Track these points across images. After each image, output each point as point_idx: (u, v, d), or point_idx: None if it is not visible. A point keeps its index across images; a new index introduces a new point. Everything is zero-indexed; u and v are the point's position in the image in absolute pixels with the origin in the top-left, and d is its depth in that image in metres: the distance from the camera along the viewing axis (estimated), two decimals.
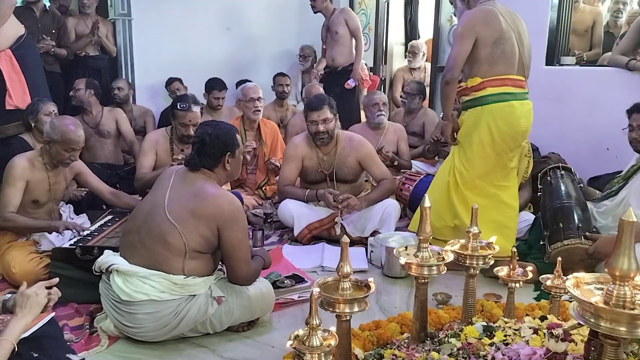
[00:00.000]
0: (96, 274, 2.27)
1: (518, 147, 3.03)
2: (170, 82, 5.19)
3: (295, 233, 3.42)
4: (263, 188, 4.22)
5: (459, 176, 2.97)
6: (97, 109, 4.37)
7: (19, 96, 3.50)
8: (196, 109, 3.46)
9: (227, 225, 2.18)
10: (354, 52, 5.19)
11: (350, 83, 5.15)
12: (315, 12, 5.21)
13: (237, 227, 2.21)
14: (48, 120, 3.01)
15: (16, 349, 1.56)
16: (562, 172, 3.30)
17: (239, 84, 5.27)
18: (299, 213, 3.43)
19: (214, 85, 4.90)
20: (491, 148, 2.90)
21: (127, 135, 4.42)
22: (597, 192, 3.21)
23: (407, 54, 6.07)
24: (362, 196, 3.52)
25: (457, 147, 3.02)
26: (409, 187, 3.71)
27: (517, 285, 2.08)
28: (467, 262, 1.99)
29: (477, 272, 2.04)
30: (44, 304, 1.67)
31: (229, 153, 2.29)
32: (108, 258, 2.24)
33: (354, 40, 5.17)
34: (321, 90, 4.75)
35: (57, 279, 1.81)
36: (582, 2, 4.76)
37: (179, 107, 3.44)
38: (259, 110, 4.18)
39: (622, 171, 3.21)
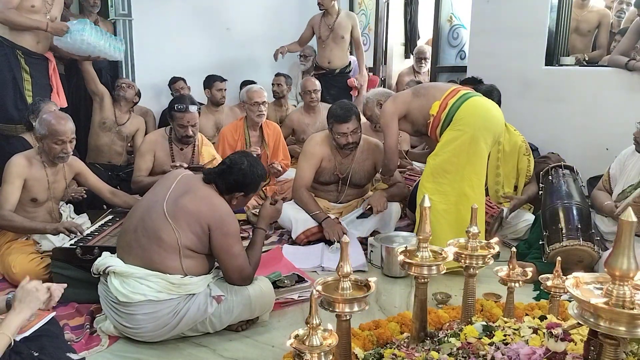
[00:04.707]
0: (95, 275, 2.28)
1: (493, 137, 3.00)
2: (173, 81, 5.20)
3: (294, 237, 3.41)
4: (264, 188, 4.22)
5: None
6: (127, 110, 4.48)
7: (62, 96, 3.79)
8: (193, 109, 3.46)
9: (217, 226, 2.18)
10: (348, 55, 5.36)
11: (355, 83, 5.24)
12: (321, 10, 5.22)
13: (227, 230, 2.20)
14: None
15: (12, 343, 1.56)
16: (565, 171, 3.30)
17: (243, 84, 5.28)
18: (297, 218, 3.43)
19: (215, 78, 4.92)
20: (468, 145, 2.88)
21: (138, 144, 4.44)
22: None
23: (414, 59, 6.04)
24: (379, 192, 3.50)
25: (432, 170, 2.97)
26: (408, 187, 3.71)
27: (517, 285, 2.08)
28: (467, 262, 1.99)
29: (477, 272, 2.04)
30: (43, 301, 1.66)
31: (242, 193, 2.33)
32: (105, 260, 2.25)
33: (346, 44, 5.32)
34: (317, 84, 4.75)
35: (65, 285, 1.82)
36: (590, 1, 4.74)
37: (176, 108, 3.44)
38: (263, 114, 4.15)
39: None
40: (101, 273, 2.23)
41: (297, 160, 4.05)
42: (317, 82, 4.80)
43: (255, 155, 3.97)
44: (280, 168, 4.11)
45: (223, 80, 4.94)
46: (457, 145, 2.87)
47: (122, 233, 2.36)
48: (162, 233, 2.16)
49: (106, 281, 2.20)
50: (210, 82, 4.92)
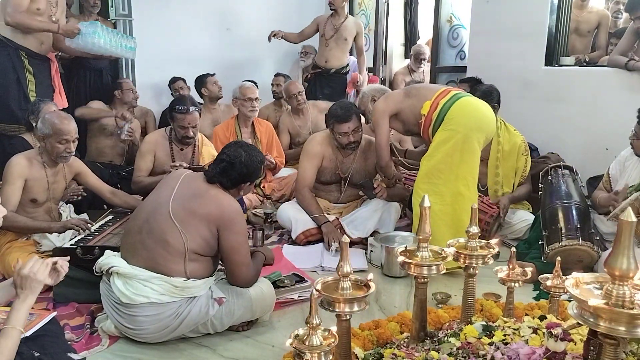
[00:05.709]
0: (97, 274, 2.28)
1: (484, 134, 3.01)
2: (173, 81, 5.21)
3: (294, 237, 3.41)
4: (261, 186, 4.22)
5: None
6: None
7: (64, 97, 3.83)
8: (194, 110, 3.46)
9: (226, 226, 2.19)
10: (348, 56, 5.43)
11: (359, 79, 5.28)
12: (332, 9, 5.24)
13: (236, 229, 2.21)
14: None
15: (22, 332, 1.55)
16: (564, 171, 3.30)
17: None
18: (297, 218, 3.43)
19: (205, 75, 4.95)
20: (461, 144, 2.89)
21: (136, 144, 4.46)
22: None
23: (410, 59, 6.04)
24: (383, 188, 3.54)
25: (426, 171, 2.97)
26: (408, 187, 3.71)
27: (517, 284, 2.09)
28: (467, 262, 2.00)
29: (477, 271, 2.05)
30: (43, 280, 1.61)
31: (249, 182, 2.35)
32: (108, 259, 2.24)
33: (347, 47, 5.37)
34: (299, 87, 4.75)
35: (67, 257, 1.77)
36: (590, 2, 4.76)
37: (177, 109, 3.44)
38: (255, 110, 4.21)
39: None
40: (104, 272, 2.23)
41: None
42: (299, 84, 4.83)
43: None
44: (272, 160, 4.13)
45: (213, 74, 4.99)
46: (451, 145, 2.89)
47: (126, 234, 2.36)
48: (168, 236, 2.16)
49: (109, 281, 2.20)
50: (203, 80, 4.96)
